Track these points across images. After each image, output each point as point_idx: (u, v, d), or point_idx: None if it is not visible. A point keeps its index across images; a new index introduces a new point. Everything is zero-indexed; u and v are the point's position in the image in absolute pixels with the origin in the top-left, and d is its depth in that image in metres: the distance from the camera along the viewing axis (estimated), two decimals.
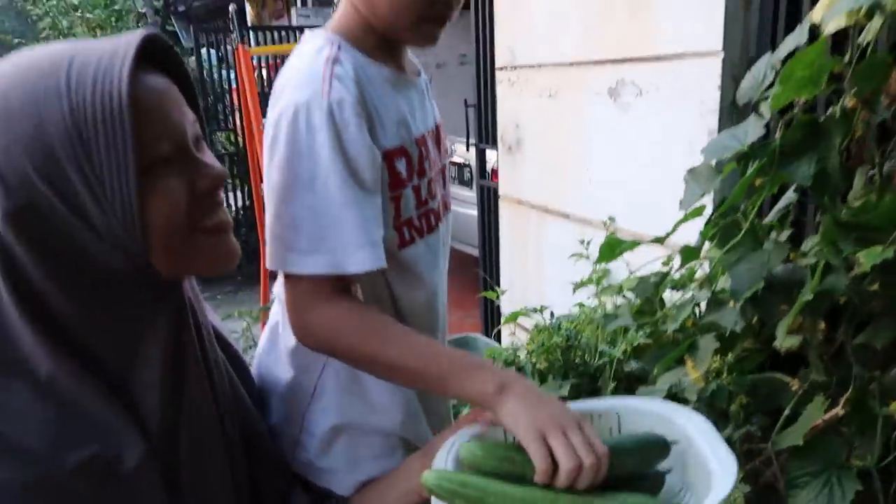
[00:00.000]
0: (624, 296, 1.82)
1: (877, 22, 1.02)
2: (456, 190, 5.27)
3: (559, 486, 0.74)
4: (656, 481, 0.87)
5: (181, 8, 7.83)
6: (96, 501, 0.64)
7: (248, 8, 7.83)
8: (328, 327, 0.88)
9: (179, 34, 8.45)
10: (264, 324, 1.17)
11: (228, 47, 5.80)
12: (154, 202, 0.66)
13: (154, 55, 0.70)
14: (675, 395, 1.34)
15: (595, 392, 1.65)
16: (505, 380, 0.82)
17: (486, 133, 3.22)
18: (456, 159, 5.20)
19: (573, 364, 1.72)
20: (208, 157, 0.73)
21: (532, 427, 0.76)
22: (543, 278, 2.69)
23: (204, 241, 0.72)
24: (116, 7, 6.57)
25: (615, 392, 1.57)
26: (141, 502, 0.68)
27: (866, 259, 1.04)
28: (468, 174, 5.23)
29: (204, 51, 5.52)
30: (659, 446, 0.85)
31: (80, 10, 6.14)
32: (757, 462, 1.13)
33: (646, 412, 0.92)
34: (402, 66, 1.06)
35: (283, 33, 5.42)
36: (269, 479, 0.92)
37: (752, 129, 1.21)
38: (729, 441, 1.20)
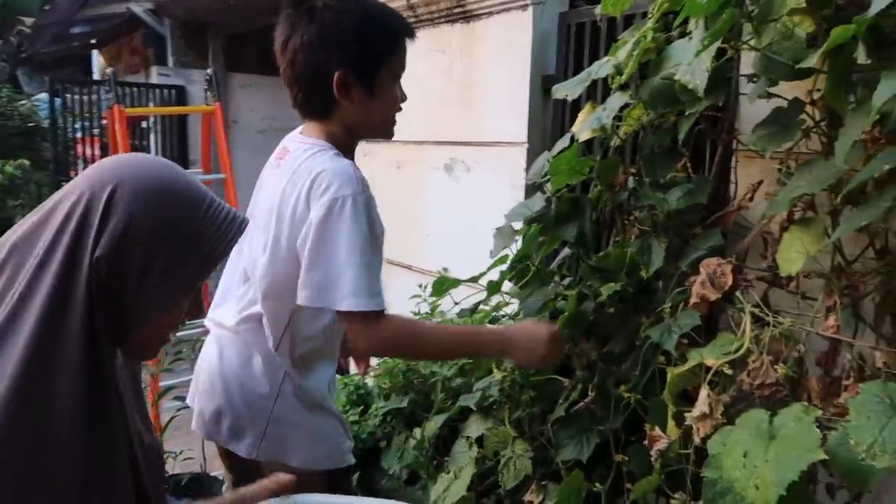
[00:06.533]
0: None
1: (612, 138, 1.56)
2: None
3: None
4: None
5: (25, 54, 7.61)
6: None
7: (97, 58, 7.73)
8: (395, 342, 1.31)
9: (20, 79, 8.14)
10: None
11: (76, 97, 5.80)
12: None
13: None
14: (485, 396, 1.78)
15: (429, 403, 2.05)
16: (498, 344, 1.42)
17: None
18: None
19: (411, 383, 2.12)
20: None
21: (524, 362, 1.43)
22: None
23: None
24: None
25: (443, 402, 1.99)
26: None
27: (605, 291, 1.56)
28: None
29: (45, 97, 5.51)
30: None
31: None
32: (540, 432, 1.59)
33: None
34: None
35: (142, 89, 5.56)
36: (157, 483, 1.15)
37: (537, 202, 1.72)
38: (521, 419, 1.66)
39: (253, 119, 6.34)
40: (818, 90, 1.30)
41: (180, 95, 5.92)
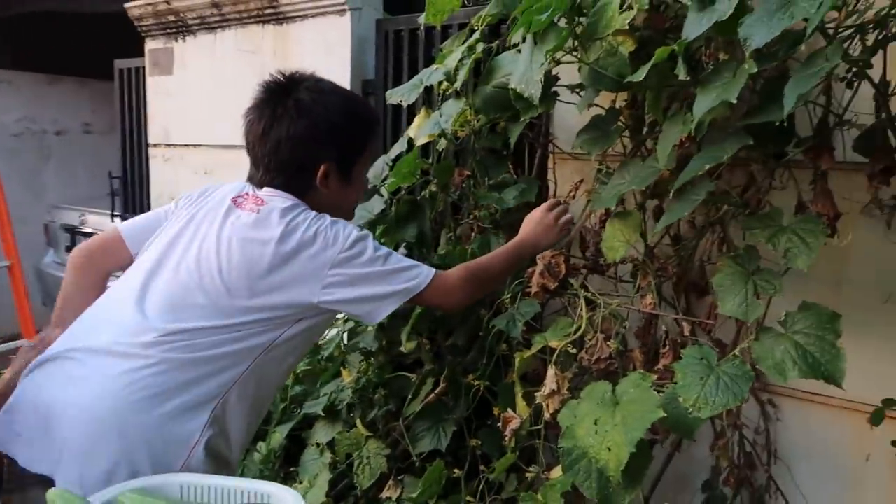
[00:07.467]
0: None
1: (443, 142, 1.65)
2: None
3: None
4: None
5: None
6: None
7: None
8: (468, 282, 1.38)
9: None
10: None
11: None
12: None
13: None
14: (333, 401, 1.78)
15: (268, 416, 1.99)
16: (527, 243, 1.48)
17: (135, 204, 3.34)
18: (86, 230, 4.96)
19: None
20: None
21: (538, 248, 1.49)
22: None
23: None
24: None
25: (285, 411, 1.94)
26: None
27: None
28: None
29: None
30: None
31: None
32: (393, 429, 1.63)
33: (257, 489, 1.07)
34: None
35: None
36: None
37: (376, 205, 1.76)
38: (374, 419, 1.69)
39: (6, 120, 5.54)
40: (624, 100, 1.51)
41: None
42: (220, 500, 1.03)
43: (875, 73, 1.10)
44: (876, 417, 1.33)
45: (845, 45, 1.02)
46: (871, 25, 1.04)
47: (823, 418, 1.48)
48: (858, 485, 1.43)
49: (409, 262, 1.32)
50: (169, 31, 2.75)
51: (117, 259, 1.38)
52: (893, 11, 0.99)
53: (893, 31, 1.07)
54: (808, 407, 1.49)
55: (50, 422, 1.15)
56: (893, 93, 1.11)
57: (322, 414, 1.75)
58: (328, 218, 1.29)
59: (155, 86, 2.91)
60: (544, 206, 1.52)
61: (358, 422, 1.65)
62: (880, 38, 1.05)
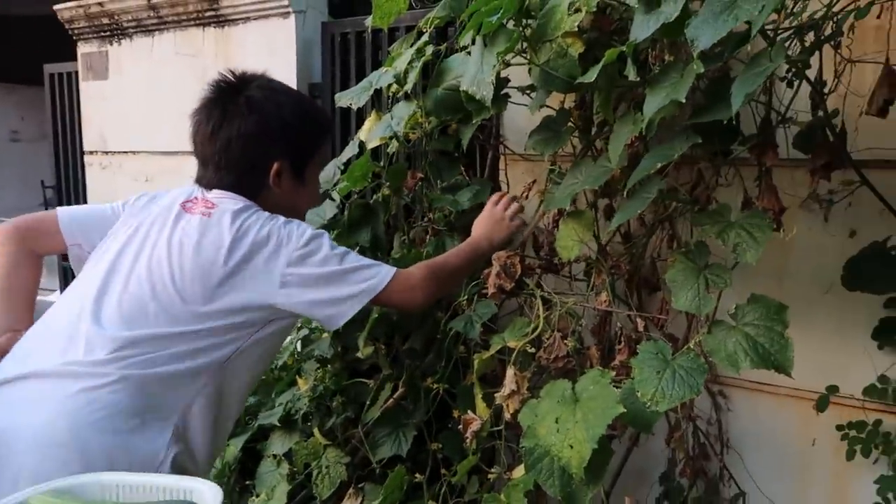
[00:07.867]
0: None
1: (395, 145, 1.64)
2: None
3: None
4: None
5: None
6: None
7: None
8: (430, 279, 1.35)
9: None
10: None
11: None
12: None
13: None
14: (290, 410, 1.75)
15: None
16: (481, 239, 1.49)
17: None
18: None
19: None
20: None
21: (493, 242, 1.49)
22: None
23: None
24: None
25: (239, 423, 1.89)
26: None
27: None
28: None
29: None
30: None
31: None
32: (351, 436, 1.61)
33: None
34: None
35: None
36: None
37: (328, 209, 1.74)
38: (332, 427, 1.67)
39: None
40: (573, 101, 1.53)
41: None
42: (142, 497, 0.98)
43: (810, 73, 1.14)
44: (821, 404, 1.38)
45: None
46: (807, 27, 1.09)
47: (771, 407, 1.53)
48: (806, 468, 1.49)
49: (368, 260, 1.30)
50: (103, 34, 2.65)
51: (48, 243, 1.32)
52: (829, 14, 1.03)
53: (827, 32, 1.11)
54: (757, 396, 1.54)
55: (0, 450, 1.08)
56: (831, 91, 1.16)
57: (278, 424, 1.72)
58: (281, 218, 1.26)
59: (89, 91, 2.80)
60: (489, 201, 1.54)
61: (315, 431, 1.63)
62: (816, 39, 1.09)
